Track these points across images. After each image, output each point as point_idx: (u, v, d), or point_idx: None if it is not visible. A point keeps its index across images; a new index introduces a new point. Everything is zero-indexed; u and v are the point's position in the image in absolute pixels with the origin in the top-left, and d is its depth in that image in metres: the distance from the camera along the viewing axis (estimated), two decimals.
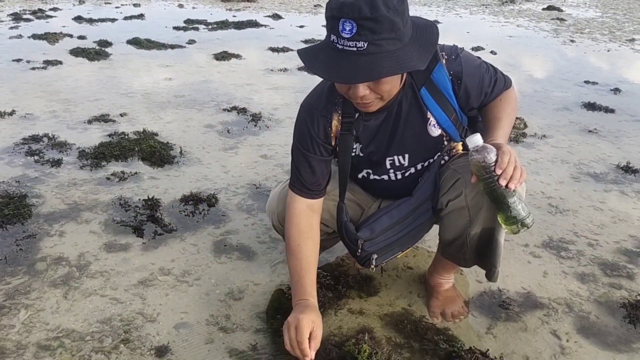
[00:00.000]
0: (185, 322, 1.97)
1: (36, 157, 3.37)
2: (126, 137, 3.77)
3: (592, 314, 2.08)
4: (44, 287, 2.13)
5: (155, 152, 3.47)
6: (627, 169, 3.44)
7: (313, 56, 1.53)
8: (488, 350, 1.81)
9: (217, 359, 1.80)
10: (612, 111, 4.72)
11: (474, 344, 1.86)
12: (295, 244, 1.82)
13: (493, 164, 1.53)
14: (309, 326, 1.63)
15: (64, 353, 1.79)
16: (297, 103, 4.60)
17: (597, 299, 2.17)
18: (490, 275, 1.88)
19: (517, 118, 3.46)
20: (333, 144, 1.82)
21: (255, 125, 4.18)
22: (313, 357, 1.61)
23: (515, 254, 2.47)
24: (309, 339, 1.62)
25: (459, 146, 1.94)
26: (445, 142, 1.85)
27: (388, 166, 1.88)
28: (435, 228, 2.04)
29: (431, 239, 2.52)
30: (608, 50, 7.69)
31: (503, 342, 1.92)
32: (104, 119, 4.16)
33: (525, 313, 2.07)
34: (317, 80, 1.85)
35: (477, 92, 1.78)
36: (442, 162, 1.90)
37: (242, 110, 4.50)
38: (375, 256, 1.92)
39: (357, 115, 1.76)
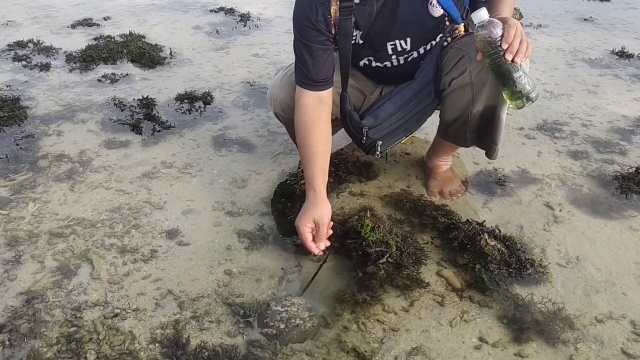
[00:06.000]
0: (192, 208, 2.03)
1: (24, 62, 3.30)
2: (112, 40, 3.67)
3: (584, 187, 2.15)
4: (49, 182, 2.16)
5: (144, 53, 3.39)
6: (622, 54, 3.43)
7: None
8: (484, 221, 1.88)
9: (226, 239, 1.87)
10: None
11: (471, 217, 1.93)
12: (301, 136, 1.81)
13: (499, 38, 1.51)
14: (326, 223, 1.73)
15: (77, 239, 1.85)
16: (286, 1, 4.44)
17: (590, 173, 2.24)
18: (491, 153, 1.91)
19: None
20: (333, 32, 1.78)
21: (244, 26, 4.08)
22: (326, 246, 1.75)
23: (510, 136, 2.51)
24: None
25: (461, 27, 1.90)
26: (447, 23, 1.81)
27: (390, 52, 1.85)
28: (433, 118, 2.05)
29: (428, 126, 2.55)
30: None
31: (499, 214, 2.00)
32: (87, 23, 4.04)
33: (519, 188, 2.14)
34: None
35: None
36: (445, 44, 1.87)
37: (230, 11, 4.36)
38: (380, 142, 1.93)
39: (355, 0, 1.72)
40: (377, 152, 1.95)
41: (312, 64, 1.77)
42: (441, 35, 1.83)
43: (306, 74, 1.78)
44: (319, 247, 1.71)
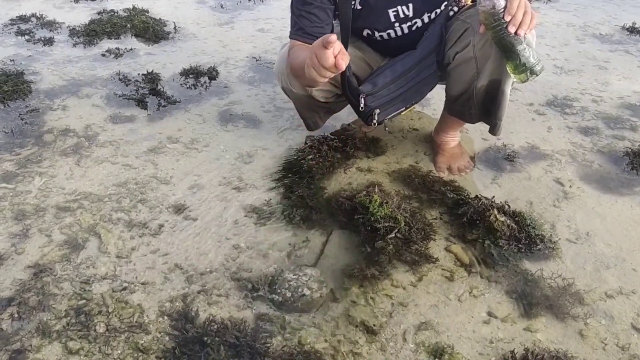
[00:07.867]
0: (199, 183, 2.01)
1: (27, 37, 3.26)
2: (116, 14, 3.63)
3: (594, 163, 2.13)
4: (54, 156, 2.14)
5: (148, 28, 3.35)
6: (633, 30, 3.37)
7: None
8: (494, 196, 1.87)
9: (233, 214, 1.86)
10: None
11: (480, 193, 1.91)
12: (297, 54, 1.66)
13: (502, 10, 1.47)
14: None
15: (85, 213, 1.85)
16: None
17: (600, 149, 2.21)
18: (495, 130, 1.89)
19: None
20: None
21: (249, 0, 4.01)
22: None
23: (520, 112, 2.48)
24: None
25: None
26: None
27: (392, 19, 1.82)
28: (441, 93, 2.02)
29: (435, 102, 2.52)
30: None
31: (508, 190, 1.98)
32: None
33: (529, 164, 2.12)
34: None
35: None
36: (451, 13, 1.83)
37: None
38: (377, 111, 1.87)
39: None
40: (374, 121, 1.90)
41: (307, 19, 1.72)
42: (446, 2, 1.79)
43: (301, 27, 1.73)
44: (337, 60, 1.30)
